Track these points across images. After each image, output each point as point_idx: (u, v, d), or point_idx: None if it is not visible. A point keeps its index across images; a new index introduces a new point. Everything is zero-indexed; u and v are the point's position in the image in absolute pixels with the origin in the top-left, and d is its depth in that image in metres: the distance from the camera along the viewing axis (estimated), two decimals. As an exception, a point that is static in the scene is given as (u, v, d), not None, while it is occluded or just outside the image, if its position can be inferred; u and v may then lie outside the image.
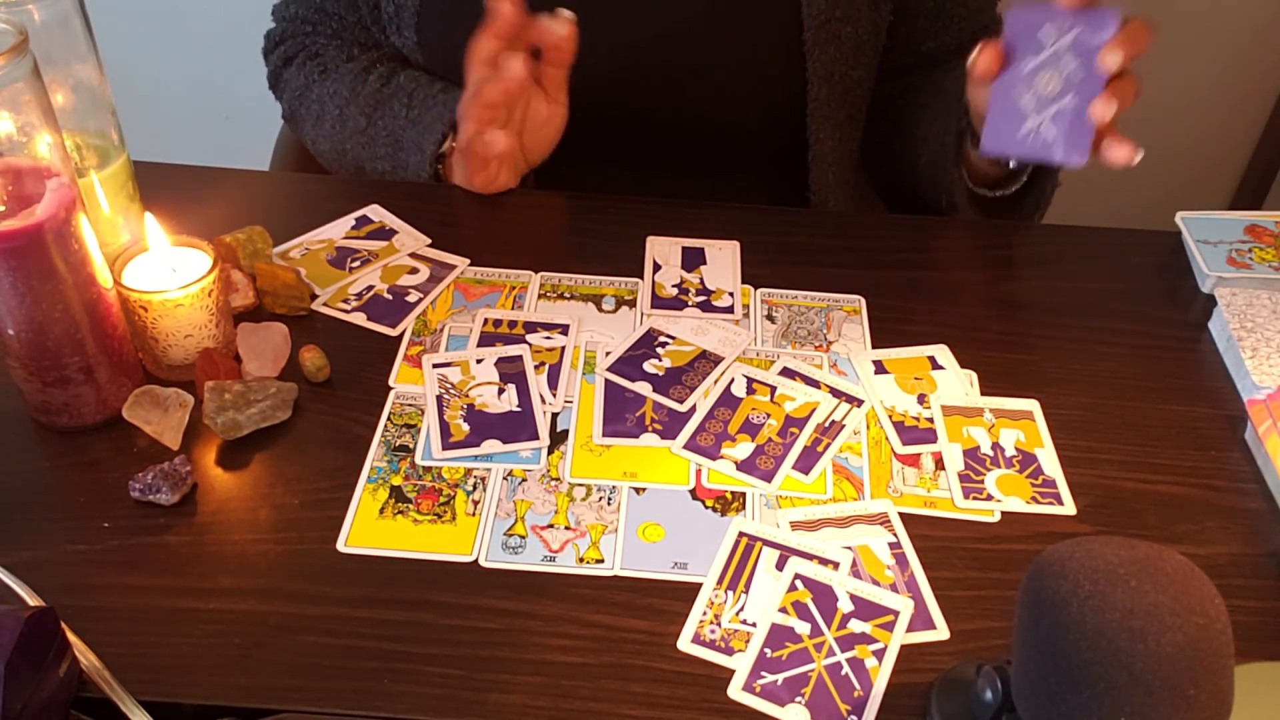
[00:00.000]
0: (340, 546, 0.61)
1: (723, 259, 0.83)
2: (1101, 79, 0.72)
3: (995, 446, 0.69)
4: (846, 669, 0.56)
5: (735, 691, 0.55)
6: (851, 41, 0.91)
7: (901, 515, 0.65)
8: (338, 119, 0.93)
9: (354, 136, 0.92)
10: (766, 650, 0.57)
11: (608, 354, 0.74)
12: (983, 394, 0.73)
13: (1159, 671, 0.41)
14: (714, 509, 0.64)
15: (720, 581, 0.60)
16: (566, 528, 0.63)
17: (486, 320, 0.76)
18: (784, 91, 0.92)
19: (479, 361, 0.73)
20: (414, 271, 0.80)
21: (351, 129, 0.92)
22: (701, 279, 0.81)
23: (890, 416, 0.71)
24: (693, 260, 0.83)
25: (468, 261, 0.81)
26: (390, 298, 0.78)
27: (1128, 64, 0.71)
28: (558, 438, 0.68)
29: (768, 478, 0.66)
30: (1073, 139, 0.74)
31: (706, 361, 0.74)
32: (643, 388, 0.72)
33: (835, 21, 0.89)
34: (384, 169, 0.92)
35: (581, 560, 0.61)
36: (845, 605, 0.59)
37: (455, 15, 0.91)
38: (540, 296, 0.79)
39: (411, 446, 0.67)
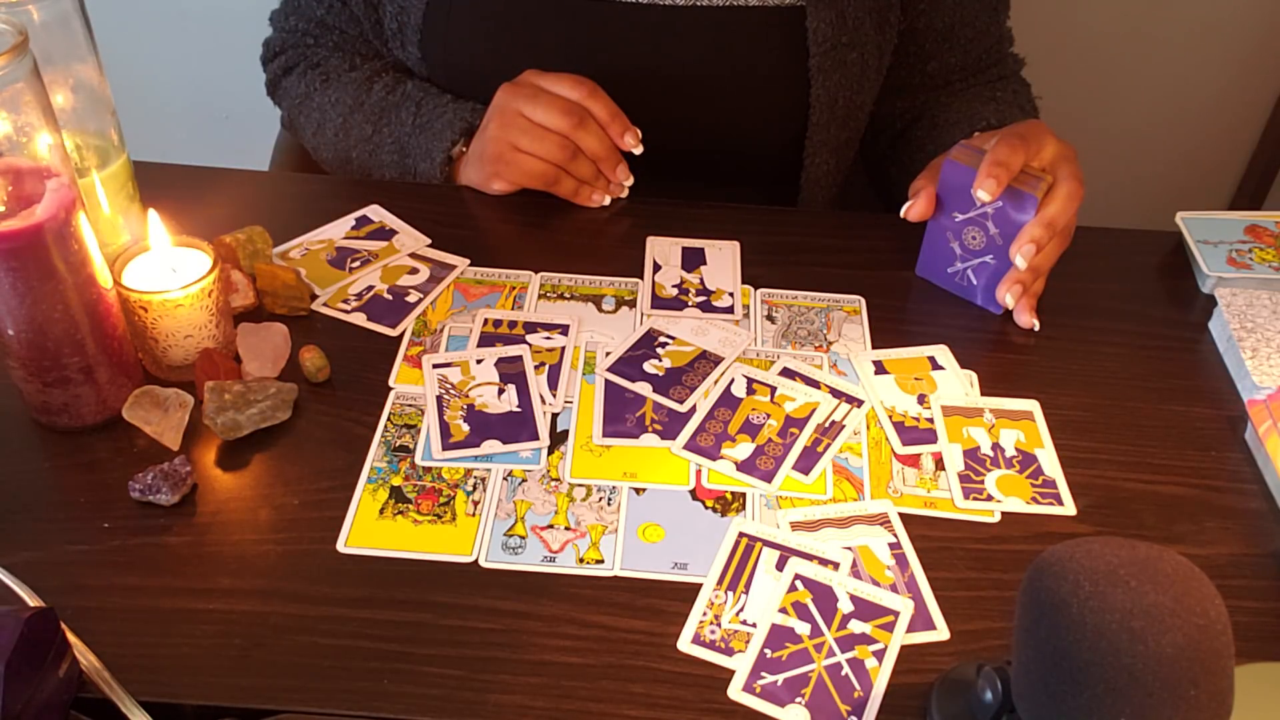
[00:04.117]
0: (340, 547, 0.61)
1: (723, 259, 0.83)
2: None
3: (995, 447, 0.69)
4: (846, 669, 0.56)
5: (735, 692, 0.55)
6: (857, 67, 0.90)
7: (901, 515, 0.65)
8: (341, 126, 0.93)
9: (359, 144, 0.92)
10: (766, 651, 0.57)
11: (608, 354, 0.74)
12: (983, 394, 0.73)
13: (1159, 672, 0.41)
14: (714, 509, 0.64)
15: (720, 582, 0.60)
16: (566, 528, 0.63)
17: (486, 320, 0.76)
18: (785, 116, 0.91)
19: (479, 362, 0.73)
20: (414, 272, 0.80)
21: (357, 137, 0.92)
22: (701, 279, 0.81)
23: (890, 417, 0.71)
24: (693, 260, 0.83)
25: (468, 261, 0.81)
26: (390, 298, 0.78)
27: (1040, 252, 0.75)
28: (558, 438, 0.68)
29: (768, 478, 0.66)
30: (990, 291, 0.79)
31: (706, 362, 0.74)
32: (643, 388, 0.72)
33: (842, 47, 0.88)
34: (390, 175, 0.92)
35: (581, 560, 0.61)
36: (845, 606, 0.59)
37: (458, 31, 0.91)
38: (540, 297, 0.79)
39: (411, 447, 0.67)
